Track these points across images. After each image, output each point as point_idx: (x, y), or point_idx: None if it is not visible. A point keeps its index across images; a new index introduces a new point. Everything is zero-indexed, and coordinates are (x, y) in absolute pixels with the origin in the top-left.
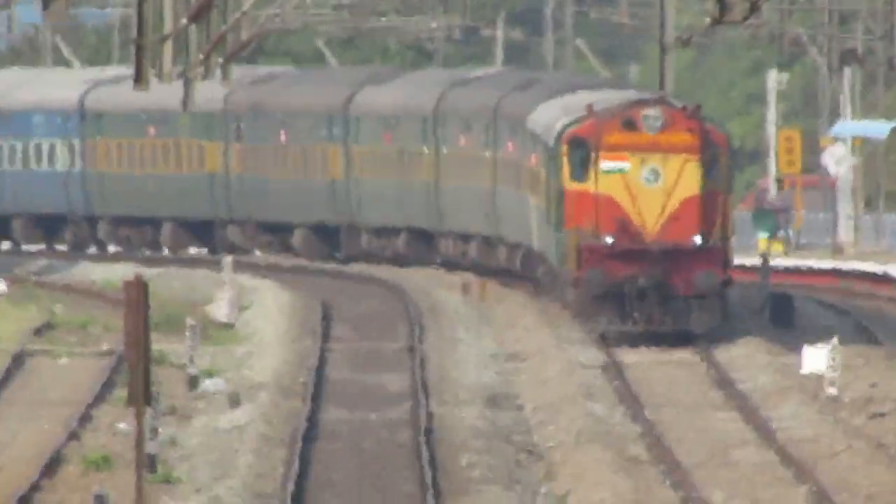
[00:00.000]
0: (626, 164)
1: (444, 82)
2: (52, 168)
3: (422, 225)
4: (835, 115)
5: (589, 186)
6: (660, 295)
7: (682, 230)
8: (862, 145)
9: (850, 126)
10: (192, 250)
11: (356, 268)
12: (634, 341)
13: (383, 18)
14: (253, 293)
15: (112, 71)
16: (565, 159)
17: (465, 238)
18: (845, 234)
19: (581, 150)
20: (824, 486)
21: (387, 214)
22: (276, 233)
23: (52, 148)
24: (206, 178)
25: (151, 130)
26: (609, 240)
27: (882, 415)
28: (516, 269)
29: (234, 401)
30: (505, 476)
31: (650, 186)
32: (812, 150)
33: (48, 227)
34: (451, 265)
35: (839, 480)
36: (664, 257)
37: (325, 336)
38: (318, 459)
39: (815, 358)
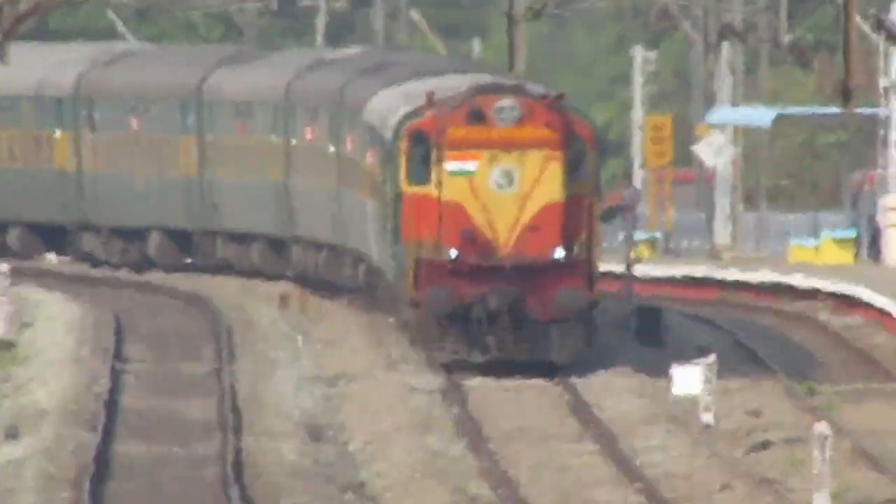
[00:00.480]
0: (473, 164)
1: (298, 64)
2: None
3: (275, 231)
4: (711, 99)
5: (430, 190)
6: (514, 318)
7: (540, 242)
8: (743, 134)
9: (728, 112)
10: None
11: (155, 276)
12: (484, 373)
13: None
14: (37, 307)
15: None
16: (403, 157)
17: (318, 248)
18: (723, 236)
19: (421, 146)
20: None
21: (242, 219)
22: (132, 239)
23: None
24: (57, 176)
25: None
26: (453, 254)
27: (765, 446)
28: (360, 287)
29: (11, 433)
30: None
31: (503, 191)
32: (685, 139)
33: None
34: (305, 279)
35: None
36: (519, 275)
37: (120, 356)
38: (111, 500)
39: (688, 379)
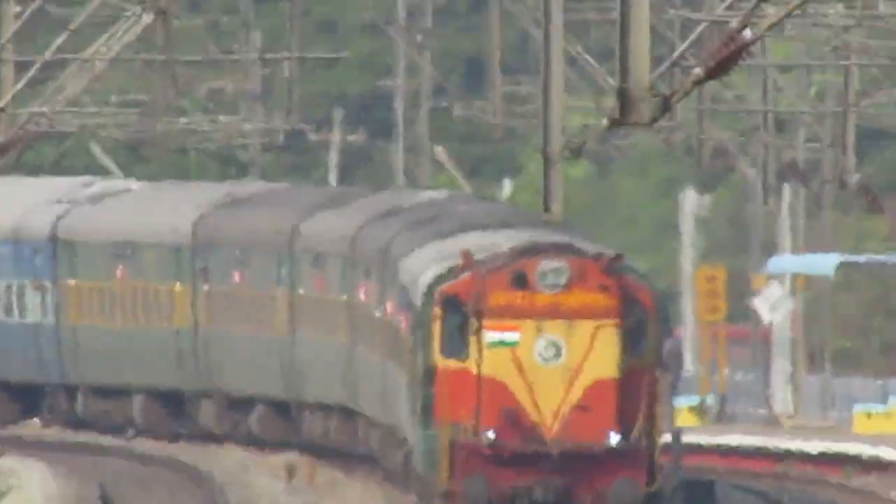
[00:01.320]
0: (516, 335)
1: (303, 204)
2: None
3: (278, 394)
4: (770, 247)
5: (468, 364)
6: None
7: (592, 425)
8: (805, 286)
9: (789, 261)
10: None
11: (149, 445)
12: None
13: (183, 119)
14: (13, 477)
15: None
16: (437, 326)
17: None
18: (782, 401)
19: (456, 314)
20: None
21: (240, 379)
22: (114, 401)
23: None
24: (30, 330)
25: None
26: (492, 437)
27: None
28: (398, 472)
29: None
30: None
31: (549, 365)
32: (741, 292)
33: None
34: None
35: None
36: (568, 463)
37: None
38: None
39: None
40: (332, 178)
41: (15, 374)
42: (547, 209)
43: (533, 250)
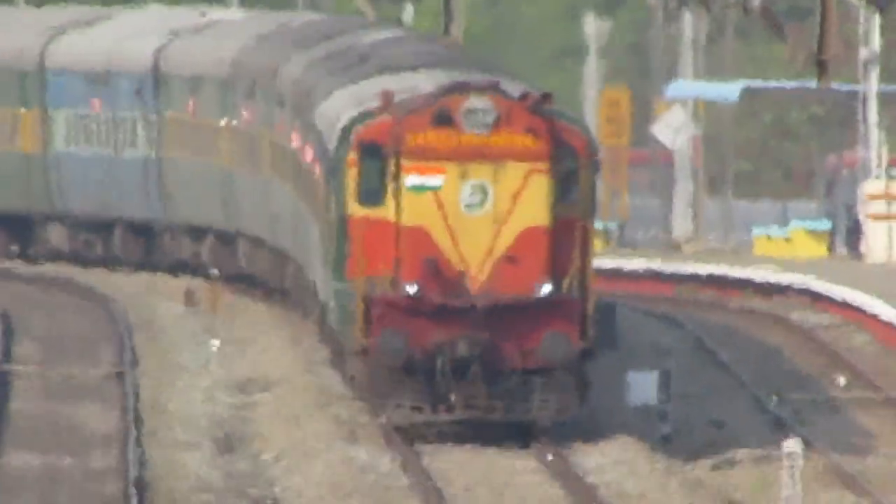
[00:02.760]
0: (439, 179)
1: (165, 29)
2: None
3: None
4: (672, 73)
5: (385, 212)
6: (488, 369)
7: (521, 276)
8: (705, 112)
9: (690, 86)
10: None
11: (51, 269)
12: (449, 437)
13: None
14: None
15: None
16: (351, 171)
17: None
18: (683, 226)
19: (373, 158)
20: None
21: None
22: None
23: None
24: None
25: None
26: (413, 290)
27: (729, 464)
28: (317, 328)
29: None
30: None
31: (475, 212)
32: (642, 118)
33: None
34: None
35: None
36: (495, 316)
37: (7, 358)
38: None
39: (644, 387)
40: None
41: None
42: (447, 31)
43: (458, 88)
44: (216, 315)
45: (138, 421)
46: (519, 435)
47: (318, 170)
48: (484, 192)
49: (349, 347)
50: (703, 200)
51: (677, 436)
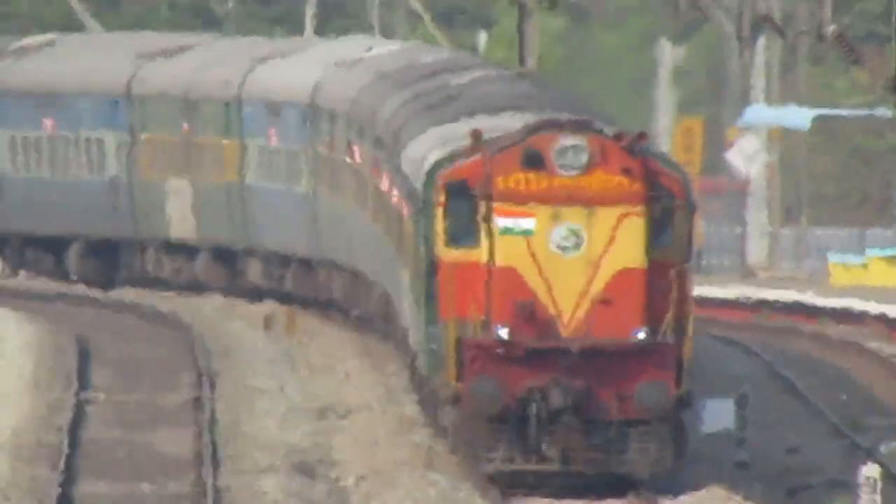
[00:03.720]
0: (531, 222)
1: (249, 58)
2: None
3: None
4: (745, 99)
5: (475, 255)
6: (582, 418)
7: (616, 320)
8: (780, 140)
9: (764, 113)
10: None
11: (127, 294)
12: (543, 489)
13: None
14: None
15: None
16: (439, 213)
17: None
18: (757, 252)
19: (462, 199)
20: None
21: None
22: (49, 250)
23: None
24: None
25: None
26: (505, 334)
27: (806, 489)
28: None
29: None
30: None
31: (568, 255)
32: (716, 144)
33: None
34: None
35: None
36: (589, 362)
37: (84, 384)
38: None
39: (720, 413)
40: (308, 29)
41: None
42: (522, 62)
43: (548, 126)
44: (293, 339)
45: (214, 446)
46: (613, 486)
47: (405, 211)
48: (577, 235)
49: (440, 393)
50: (778, 227)
51: (754, 463)
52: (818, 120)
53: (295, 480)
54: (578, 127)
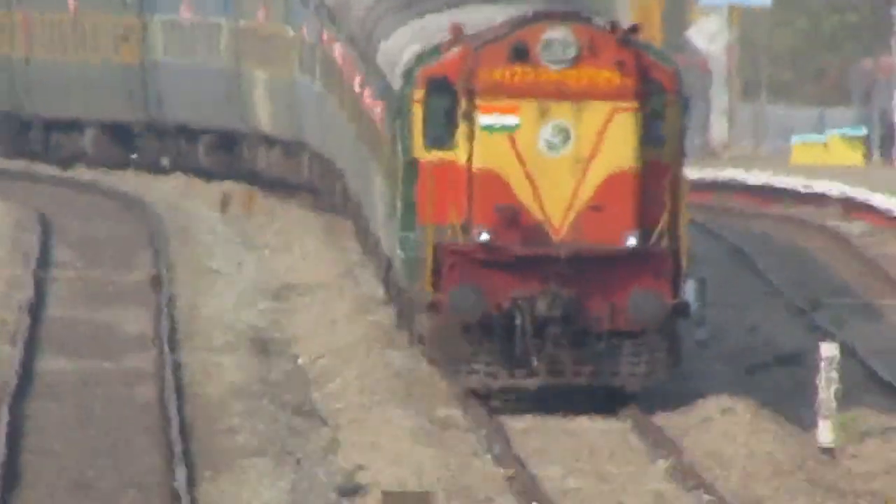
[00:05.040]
0: (515, 119)
1: None
2: None
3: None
4: None
5: (457, 155)
6: (571, 328)
7: (607, 224)
8: (741, 18)
9: None
10: None
11: (86, 174)
12: (529, 403)
13: None
14: None
15: None
16: (418, 110)
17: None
18: (719, 132)
19: (443, 96)
20: None
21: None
22: (67, 133)
23: None
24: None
25: None
26: (487, 238)
27: (765, 367)
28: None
29: None
30: (276, 446)
31: (556, 154)
32: (676, 24)
33: None
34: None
35: None
36: (578, 269)
37: (44, 262)
38: (34, 422)
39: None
40: None
41: None
42: None
43: (535, 18)
44: (251, 220)
45: (173, 325)
46: (603, 401)
47: (380, 111)
48: (565, 132)
49: (417, 303)
50: (738, 106)
51: (713, 341)
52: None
53: (253, 359)
54: (567, 18)
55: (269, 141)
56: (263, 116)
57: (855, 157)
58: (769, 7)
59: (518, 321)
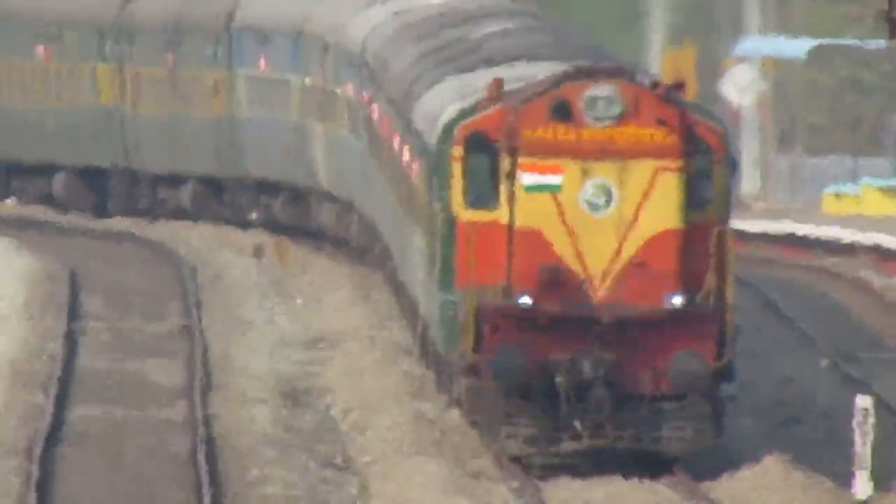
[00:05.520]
0: (558, 178)
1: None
2: None
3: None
4: (738, 30)
5: (498, 215)
6: (613, 392)
7: (650, 286)
8: (774, 68)
9: (759, 43)
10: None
11: (117, 223)
12: (570, 469)
13: None
14: None
15: None
16: (457, 169)
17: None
18: (751, 183)
19: (483, 154)
20: None
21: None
22: (35, 177)
23: None
24: None
25: None
26: (529, 301)
27: (797, 420)
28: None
29: None
30: (307, 496)
31: (599, 214)
32: (710, 75)
33: None
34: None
35: None
36: (620, 331)
37: (75, 313)
38: (64, 471)
39: None
40: None
41: None
42: None
43: (577, 75)
44: (283, 269)
45: (205, 375)
46: (646, 466)
47: (417, 169)
48: (608, 192)
49: (456, 366)
50: (772, 157)
51: (742, 396)
52: (814, 50)
53: (284, 410)
54: (611, 74)
55: (331, 198)
56: (322, 173)
57: (890, 207)
58: (803, 59)
59: (560, 384)
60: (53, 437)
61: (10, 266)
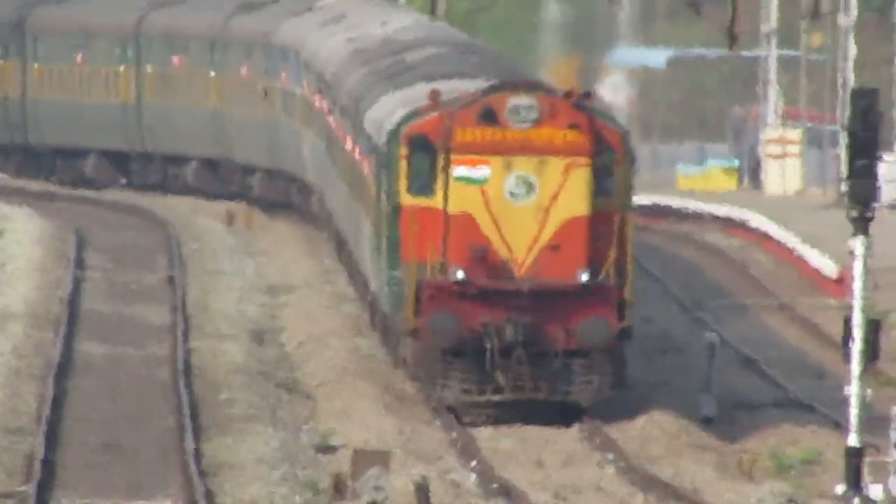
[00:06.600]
0: (485, 171)
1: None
2: None
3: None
4: (613, 45)
5: (434, 202)
6: (531, 351)
7: (562, 263)
8: (641, 76)
9: (627, 54)
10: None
11: (115, 195)
12: (494, 415)
13: None
14: (4, 221)
15: None
16: (402, 164)
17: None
18: None
19: (424, 152)
20: None
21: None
22: (72, 159)
23: None
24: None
25: None
26: (461, 275)
27: (662, 352)
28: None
29: None
30: (267, 414)
31: (520, 202)
32: (591, 81)
33: None
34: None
35: None
36: (538, 300)
37: (80, 265)
38: (72, 394)
39: None
40: None
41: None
42: (433, 11)
43: (502, 87)
44: (250, 232)
45: (185, 317)
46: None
47: (367, 165)
48: (528, 183)
49: (401, 330)
50: (636, 144)
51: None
52: (671, 60)
53: (250, 345)
54: (530, 87)
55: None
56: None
57: (730, 183)
58: (663, 67)
59: (486, 345)
60: (63, 366)
61: (27, 229)
